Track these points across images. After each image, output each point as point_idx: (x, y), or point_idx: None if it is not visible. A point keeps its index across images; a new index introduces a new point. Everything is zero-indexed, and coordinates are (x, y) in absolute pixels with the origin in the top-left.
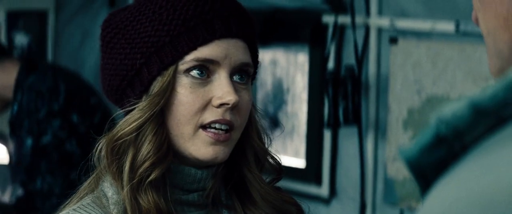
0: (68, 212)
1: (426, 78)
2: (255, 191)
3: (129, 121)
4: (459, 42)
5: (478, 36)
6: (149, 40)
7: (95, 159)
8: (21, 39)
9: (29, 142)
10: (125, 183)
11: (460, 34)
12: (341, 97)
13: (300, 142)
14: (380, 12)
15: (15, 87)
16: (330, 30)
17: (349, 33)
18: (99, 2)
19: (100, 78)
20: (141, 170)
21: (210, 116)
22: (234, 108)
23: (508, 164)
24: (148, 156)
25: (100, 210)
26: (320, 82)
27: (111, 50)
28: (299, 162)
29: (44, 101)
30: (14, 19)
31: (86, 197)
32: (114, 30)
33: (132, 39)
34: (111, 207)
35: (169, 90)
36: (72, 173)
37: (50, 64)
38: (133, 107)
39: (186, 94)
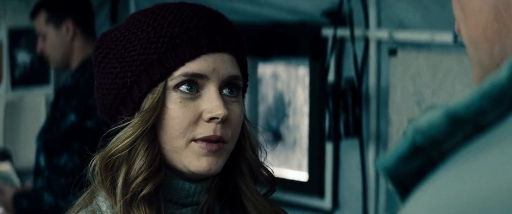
0: None
1: (426, 89)
2: (249, 203)
3: (121, 137)
4: (458, 53)
5: None
6: (138, 58)
7: (89, 175)
8: (23, 57)
9: (72, 117)
10: (118, 198)
11: (458, 45)
12: (342, 110)
13: (302, 155)
14: (379, 25)
15: (80, 65)
16: (330, 43)
17: (348, 45)
18: (101, 19)
19: (95, 97)
20: (134, 185)
21: (201, 131)
22: (224, 121)
23: (484, 173)
24: (140, 171)
25: None
26: (320, 95)
27: (103, 70)
28: (302, 175)
29: None
30: (16, 37)
31: (80, 212)
32: (105, 50)
33: (122, 58)
34: None
35: (160, 106)
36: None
37: None
38: (126, 124)
39: (176, 109)
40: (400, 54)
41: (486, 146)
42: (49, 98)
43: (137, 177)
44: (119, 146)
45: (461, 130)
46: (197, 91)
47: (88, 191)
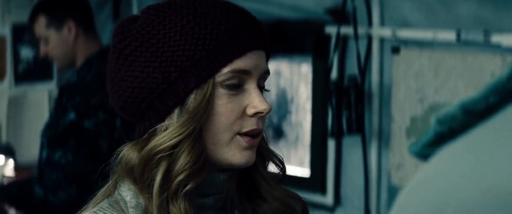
0: None
1: (428, 87)
2: (263, 188)
3: (168, 135)
4: (461, 51)
5: (479, 45)
6: (184, 54)
7: (114, 165)
8: (26, 53)
9: (71, 115)
10: (155, 193)
11: (461, 43)
12: (345, 107)
13: (304, 152)
14: (382, 23)
15: (84, 62)
16: (333, 40)
17: (351, 43)
18: (104, 16)
19: (113, 90)
20: (177, 181)
21: (246, 125)
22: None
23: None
24: (185, 167)
25: (118, 213)
26: (323, 92)
27: (133, 63)
28: (303, 171)
29: (103, 92)
30: (20, 33)
31: (103, 202)
32: (134, 43)
33: (160, 53)
34: (130, 210)
35: (209, 102)
36: (90, 166)
37: None
38: (162, 119)
39: (224, 104)
40: (403, 52)
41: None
42: (52, 94)
43: (181, 173)
44: (168, 143)
45: (475, 120)
46: (239, 87)
47: (112, 181)
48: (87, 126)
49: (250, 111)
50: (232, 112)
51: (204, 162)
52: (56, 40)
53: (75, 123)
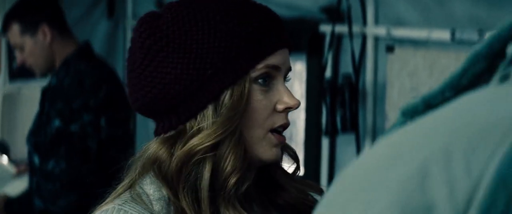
0: (115, 207)
1: (423, 86)
2: (281, 178)
3: (207, 135)
4: (455, 50)
5: (473, 44)
6: (218, 51)
7: (136, 160)
8: None
9: (56, 123)
10: (204, 194)
11: (456, 42)
12: (339, 105)
13: (298, 150)
14: (376, 21)
15: (62, 63)
16: (328, 39)
17: (346, 42)
18: (98, 14)
19: (138, 86)
20: (231, 182)
21: (278, 120)
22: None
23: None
24: (236, 168)
25: (142, 206)
26: (317, 91)
27: (164, 59)
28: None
29: (83, 93)
30: None
31: (124, 194)
32: (164, 39)
33: (194, 49)
34: (154, 203)
35: (245, 99)
36: (84, 169)
37: (104, 64)
38: (195, 116)
39: (258, 100)
40: (398, 51)
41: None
42: None
43: (233, 174)
44: (208, 143)
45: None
46: (269, 83)
47: (134, 174)
48: (74, 130)
49: (280, 107)
50: (266, 108)
51: (250, 159)
52: (32, 47)
53: (62, 129)
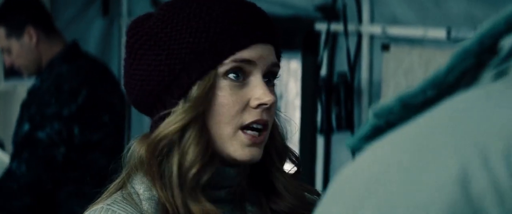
0: (103, 207)
1: (418, 84)
2: (279, 184)
3: (171, 122)
4: (451, 48)
5: None
6: (188, 47)
7: (126, 159)
8: None
9: (26, 127)
10: (174, 185)
11: (451, 40)
12: (334, 104)
13: (293, 148)
14: (372, 20)
15: (47, 64)
16: (323, 37)
17: (341, 40)
18: (93, 12)
19: (126, 85)
20: (191, 173)
21: (249, 116)
22: (268, 108)
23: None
24: (196, 159)
25: (131, 206)
26: (313, 89)
27: (142, 57)
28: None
29: (58, 100)
30: None
31: (116, 194)
32: (143, 37)
33: (167, 46)
34: (143, 203)
35: (210, 93)
36: (44, 176)
37: (92, 64)
38: (169, 111)
39: (226, 96)
40: (393, 49)
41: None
42: None
43: (193, 167)
44: (169, 129)
45: (412, 114)
46: (244, 79)
47: (124, 174)
48: (40, 137)
49: (253, 103)
50: (235, 104)
51: (213, 154)
52: (18, 49)
53: (29, 134)
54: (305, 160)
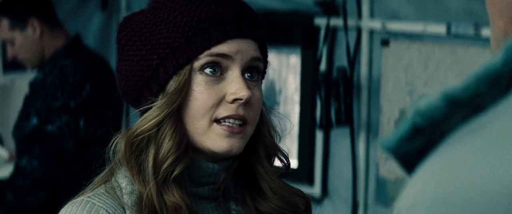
0: (83, 199)
1: (418, 79)
2: (265, 185)
3: (148, 118)
4: (450, 44)
5: (469, 38)
6: (164, 42)
7: (110, 154)
8: None
9: (34, 121)
10: (150, 177)
11: (451, 36)
12: (333, 99)
13: (292, 143)
14: (372, 15)
15: (50, 58)
16: (323, 32)
17: (341, 35)
18: (92, 6)
19: (117, 79)
20: (164, 166)
21: (224, 111)
22: (246, 104)
23: (476, 154)
24: (169, 152)
25: (113, 199)
26: (312, 84)
27: (127, 52)
28: (291, 163)
29: (64, 93)
30: None
31: (100, 187)
32: (129, 33)
33: (147, 41)
34: (125, 197)
35: (186, 88)
36: (56, 169)
37: (93, 58)
38: (150, 106)
39: (201, 91)
40: (393, 44)
41: (481, 125)
42: None
43: (167, 159)
44: (145, 126)
45: (458, 111)
46: (221, 74)
47: (108, 168)
48: (50, 130)
49: (229, 98)
50: (209, 98)
51: (187, 147)
52: (22, 41)
53: (38, 128)
54: (304, 154)
